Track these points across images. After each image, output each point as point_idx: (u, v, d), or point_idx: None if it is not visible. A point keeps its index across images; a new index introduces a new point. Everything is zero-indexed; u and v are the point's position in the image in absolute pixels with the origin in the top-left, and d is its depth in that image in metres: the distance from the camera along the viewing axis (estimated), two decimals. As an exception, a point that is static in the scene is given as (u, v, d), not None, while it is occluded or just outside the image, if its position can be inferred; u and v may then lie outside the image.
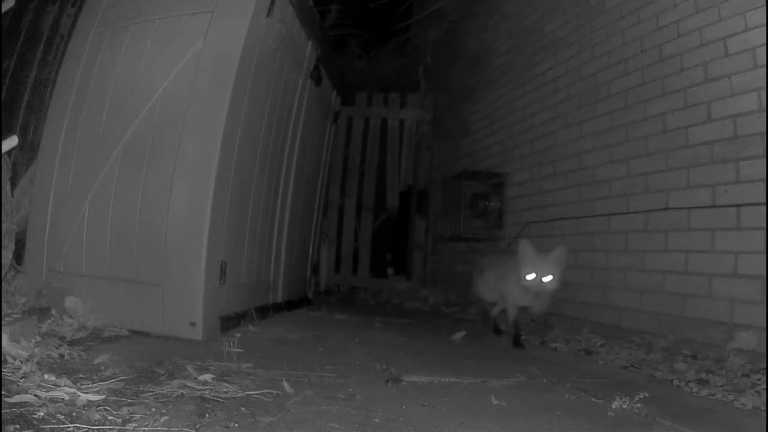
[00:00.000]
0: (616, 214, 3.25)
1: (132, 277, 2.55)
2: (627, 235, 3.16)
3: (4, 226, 2.23)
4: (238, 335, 2.60)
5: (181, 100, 2.58)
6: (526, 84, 4.38)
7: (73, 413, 1.34)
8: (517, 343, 2.95)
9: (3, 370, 1.56)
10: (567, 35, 3.85)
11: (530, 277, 2.76)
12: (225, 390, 1.66)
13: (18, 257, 2.62)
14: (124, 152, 2.64)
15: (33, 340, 1.95)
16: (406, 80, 6.83)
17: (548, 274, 2.75)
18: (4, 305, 2.30)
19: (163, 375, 1.77)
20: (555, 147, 3.90)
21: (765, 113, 2.38)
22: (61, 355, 1.88)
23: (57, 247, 2.66)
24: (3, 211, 2.21)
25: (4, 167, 2.27)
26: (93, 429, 1.26)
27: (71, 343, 2.07)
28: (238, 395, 1.63)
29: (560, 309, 3.50)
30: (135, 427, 1.30)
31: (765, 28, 2.38)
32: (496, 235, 4.55)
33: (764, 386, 2.03)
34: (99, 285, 2.56)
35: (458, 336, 3.15)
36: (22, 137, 2.64)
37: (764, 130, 2.38)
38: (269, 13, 2.86)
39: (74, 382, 1.56)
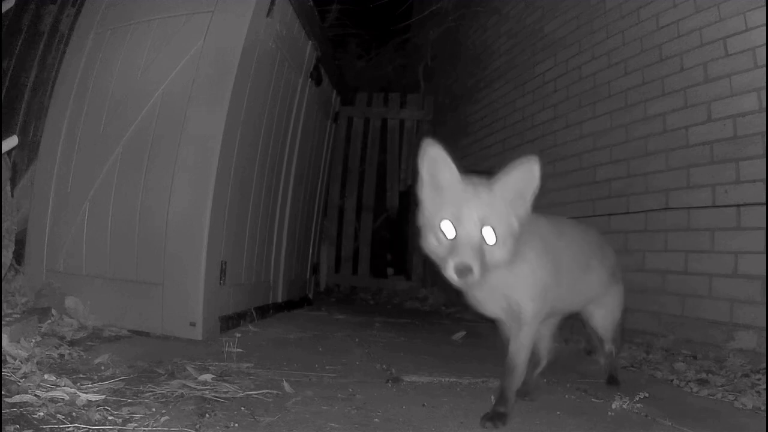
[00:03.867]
0: (616, 214, 3.25)
1: (132, 277, 2.55)
2: (627, 235, 3.16)
3: (4, 226, 2.23)
4: (238, 335, 2.59)
5: (181, 100, 2.58)
6: (526, 84, 4.38)
7: (73, 413, 1.34)
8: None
9: (3, 370, 1.55)
10: (567, 35, 3.85)
11: (446, 226, 1.36)
12: (225, 390, 1.66)
13: (18, 257, 2.62)
14: (124, 152, 2.64)
15: (33, 340, 1.94)
16: (406, 80, 6.83)
17: (487, 222, 1.35)
18: (4, 305, 2.30)
19: (163, 375, 1.77)
20: (555, 147, 3.90)
21: (765, 113, 2.38)
22: (61, 355, 1.87)
23: (57, 247, 2.66)
24: (3, 211, 2.21)
25: (4, 167, 2.27)
26: (93, 429, 1.26)
27: (71, 343, 2.07)
28: (238, 395, 1.63)
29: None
30: (135, 427, 1.30)
31: (765, 28, 2.38)
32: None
33: (764, 386, 2.03)
34: (99, 285, 2.56)
35: (458, 336, 3.15)
36: (22, 137, 2.64)
37: (764, 130, 2.38)
38: (269, 13, 2.86)
39: (74, 382, 1.55)
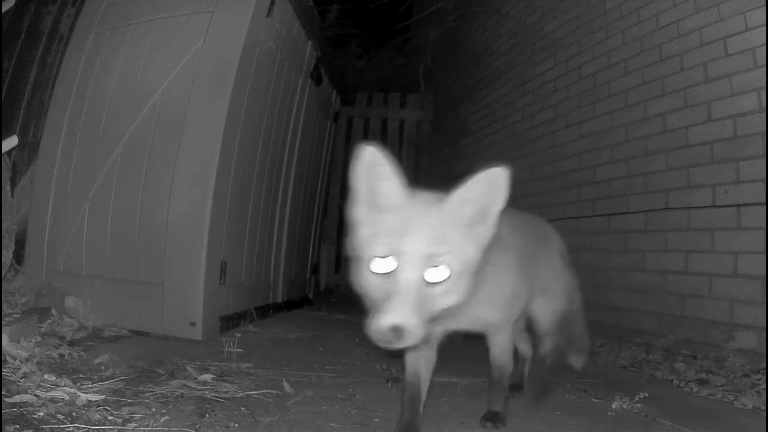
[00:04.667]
0: (616, 214, 3.25)
1: (132, 277, 2.55)
2: (627, 235, 3.16)
3: (4, 226, 2.23)
4: (238, 335, 2.59)
5: (181, 100, 2.58)
6: (526, 84, 4.38)
7: (73, 413, 1.34)
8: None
9: (3, 370, 1.56)
10: (567, 35, 3.85)
11: (380, 263, 1.03)
12: (225, 390, 1.66)
13: (18, 257, 2.62)
14: (124, 152, 2.64)
15: (33, 340, 1.95)
16: (406, 80, 6.83)
17: (437, 257, 1.03)
18: (4, 305, 2.30)
19: (163, 375, 1.77)
20: (555, 147, 3.90)
21: (765, 113, 2.38)
22: (61, 355, 1.88)
23: (57, 247, 2.66)
24: (3, 211, 2.21)
25: (4, 167, 2.27)
26: (93, 429, 1.26)
27: (71, 343, 2.07)
28: (238, 395, 1.63)
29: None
30: (135, 427, 1.30)
31: (765, 28, 2.38)
32: (496, 235, 4.55)
33: (764, 386, 2.03)
34: (99, 285, 2.56)
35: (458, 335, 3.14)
36: (22, 137, 2.64)
37: (764, 130, 2.38)
38: (269, 13, 2.86)
39: (74, 382, 1.56)
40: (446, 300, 1.04)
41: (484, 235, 1.09)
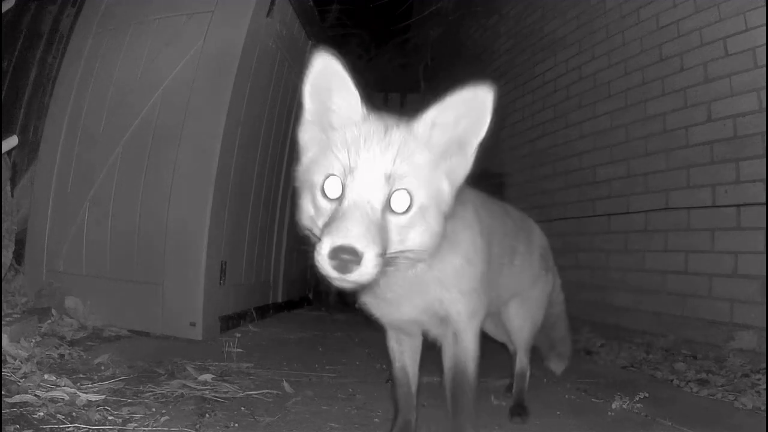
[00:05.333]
0: (616, 214, 3.25)
1: (132, 277, 2.55)
2: (627, 235, 3.16)
3: (4, 226, 2.23)
4: (238, 335, 2.59)
5: (181, 100, 2.58)
6: (527, 84, 4.38)
7: (73, 413, 1.34)
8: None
9: (3, 370, 1.56)
10: (567, 35, 3.85)
11: (332, 186, 0.86)
12: (225, 390, 1.66)
13: (18, 257, 2.62)
14: (124, 152, 2.64)
15: (33, 340, 1.95)
16: (406, 80, 6.83)
17: (399, 182, 0.86)
18: (4, 305, 2.30)
19: (163, 375, 1.77)
20: (555, 147, 3.90)
21: (765, 113, 2.38)
22: (61, 355, 1.88)
23: (57, 247, 2.66)
24: (3, 211, 2.21)
25: (4, 167, 2.27)
26: (93, 429, 1.26)
27: (71, 343, 2.07)
28: (238, 395, 1.63)
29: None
30: (135, 427, 1.30)
31: (765, 28, 2.38)
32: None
33: (764, 386, 2.03)
34: (99, 285, 2.56)
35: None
36: (22, 137, 2.64)
37: (764, 130, 2.38)
38: (269, 13, 2.86)
39: (74, 382, 1.56)
40: (409, 236, 0.85)
41: (459, 169, 0.92)
